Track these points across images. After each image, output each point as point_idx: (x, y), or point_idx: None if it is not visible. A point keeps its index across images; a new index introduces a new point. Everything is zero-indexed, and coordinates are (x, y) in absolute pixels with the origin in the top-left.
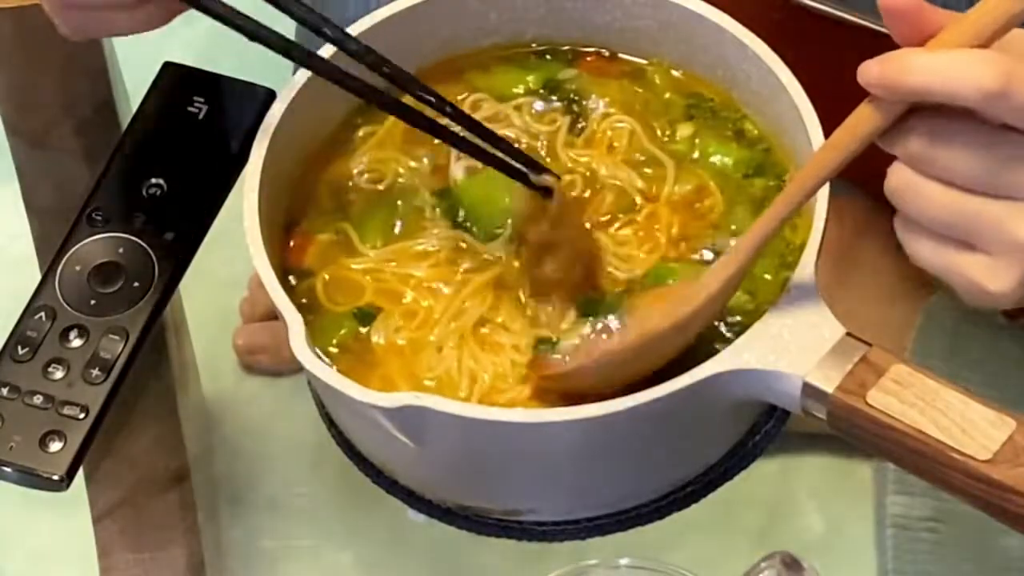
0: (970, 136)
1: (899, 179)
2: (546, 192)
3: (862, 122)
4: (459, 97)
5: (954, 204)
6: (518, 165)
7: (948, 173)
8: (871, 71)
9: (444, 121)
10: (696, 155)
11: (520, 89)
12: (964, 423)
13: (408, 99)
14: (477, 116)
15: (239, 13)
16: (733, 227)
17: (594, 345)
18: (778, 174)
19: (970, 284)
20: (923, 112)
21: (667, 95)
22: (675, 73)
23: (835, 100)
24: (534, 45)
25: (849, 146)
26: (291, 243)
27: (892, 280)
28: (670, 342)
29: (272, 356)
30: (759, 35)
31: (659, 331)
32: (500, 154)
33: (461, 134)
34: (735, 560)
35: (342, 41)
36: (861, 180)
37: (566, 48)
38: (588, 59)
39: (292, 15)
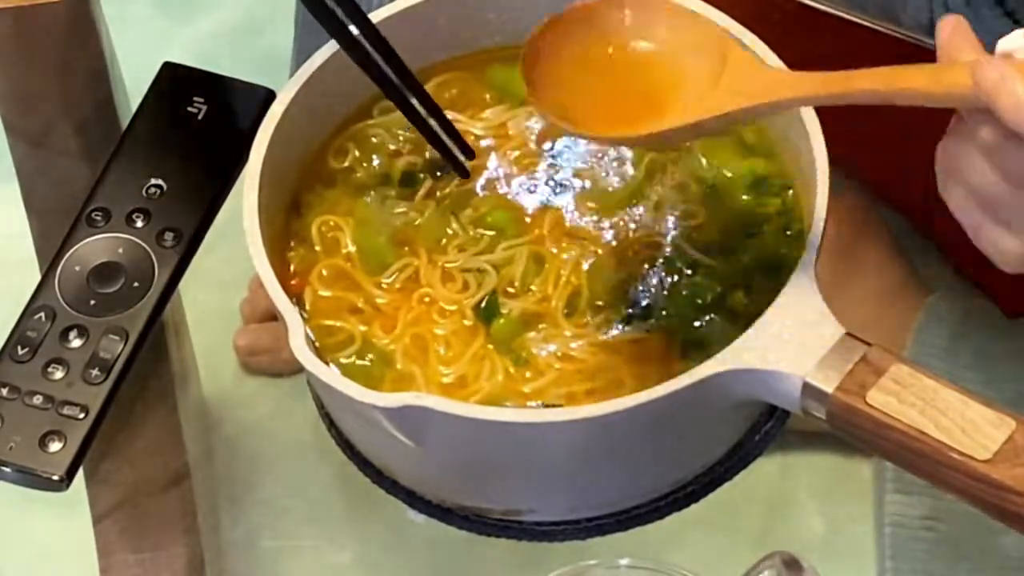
0: None
1: (958, 145)
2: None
3: (953, 93)
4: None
5: (999, 187)
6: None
7: (1006, 163)
8: (988, 77)
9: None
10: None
11: None
12: (964, 423)
13: None
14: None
15: None
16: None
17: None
18: (782, 184)
19: (997, 251)
20: None
21: None
22: None
23: None
24: None
25: (923, 94)
26: (291, 240)
27: (891, 279)
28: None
29: (273, 357)
30: (759, 35)
31: (663, 133)
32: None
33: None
34: (735, 560)
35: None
36: (862, 179)
37: None
38: None
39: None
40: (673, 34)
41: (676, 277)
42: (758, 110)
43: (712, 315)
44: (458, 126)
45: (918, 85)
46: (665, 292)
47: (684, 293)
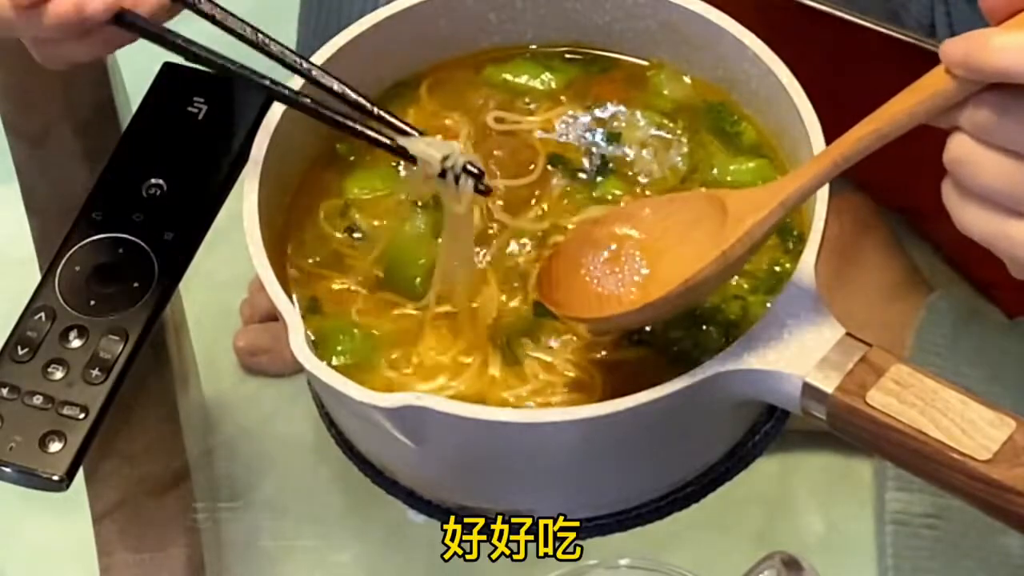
0: None
1: (960, 147)
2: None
3: (936, 93)
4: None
5: (1013, 173)
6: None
7: (1012, 144)
8: (956, 49)
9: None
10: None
11: (536, 84)
12: (964, 423)
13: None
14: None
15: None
16: None
17: (625, 297)
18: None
19: (1020, 249)
20: (994, 86)
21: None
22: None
23: (835, 100)
24: (562, 48)
25: (916, 112)
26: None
27: (892, 279)
28: (707, 289)
29: (272, 358)
30: (759, 35)
31: (696, 281)
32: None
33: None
34: (735, 560)
35: (314, 78)
36: (862, 179)
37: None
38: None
39: (269, 54)
40: (672, 218)
41: None
42: (768, 221)
43: (709, 325)
44: (455, 125)
45: (907, 104)
46: None
47: None
